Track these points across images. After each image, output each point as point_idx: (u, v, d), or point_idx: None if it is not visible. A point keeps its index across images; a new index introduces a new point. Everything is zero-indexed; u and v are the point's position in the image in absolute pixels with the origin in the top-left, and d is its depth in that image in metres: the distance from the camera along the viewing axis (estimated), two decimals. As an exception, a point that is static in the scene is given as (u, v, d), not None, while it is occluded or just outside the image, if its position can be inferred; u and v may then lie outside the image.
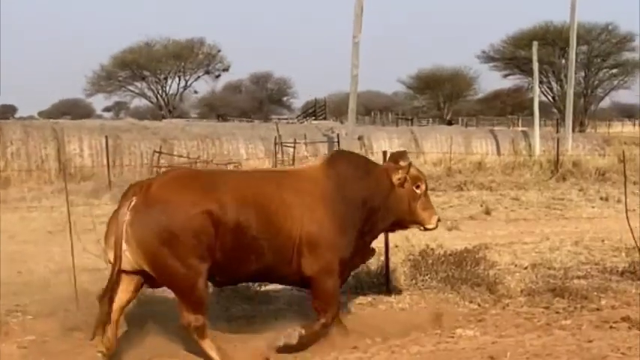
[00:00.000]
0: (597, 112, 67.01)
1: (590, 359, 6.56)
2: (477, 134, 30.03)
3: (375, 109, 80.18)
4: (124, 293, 6.40)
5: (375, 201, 6.98)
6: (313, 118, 56.29)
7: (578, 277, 9.41)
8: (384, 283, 8.72)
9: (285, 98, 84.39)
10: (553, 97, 58.29)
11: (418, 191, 7.16)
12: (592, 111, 58.15)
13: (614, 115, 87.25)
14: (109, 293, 6.28)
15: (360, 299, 8.45)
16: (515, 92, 74.47)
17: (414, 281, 8.76)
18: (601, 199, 17.68)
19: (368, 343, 7.02)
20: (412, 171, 7.15)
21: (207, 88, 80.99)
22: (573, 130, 44.93)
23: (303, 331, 6.65)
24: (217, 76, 72.21)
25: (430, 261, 8.83)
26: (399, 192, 7.09)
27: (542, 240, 12.37)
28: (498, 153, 27.23)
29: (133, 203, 6.25)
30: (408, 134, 29.67)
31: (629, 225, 9.75)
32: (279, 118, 58.54)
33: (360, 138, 29.27)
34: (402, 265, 9.13)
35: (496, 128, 40.07)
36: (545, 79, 58.74)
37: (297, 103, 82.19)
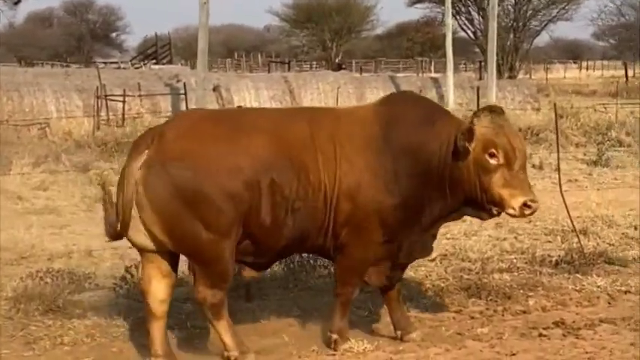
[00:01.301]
0: (532, 52, 68.92)
1: (512, 377, 6.80)
2: (373, 82, 30.20)
3: (240, 50, 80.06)
4: (153, 279, 6.92)
5: (438, 163, 7.00)
6: (154, 61, 55.61)
7: (500, 271, 9.73)
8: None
9: (113, 34, 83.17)
10: (474, 33, 59.47)
11: (492, 161, 6.84)
12: (525, 51, 59.62)
13: (555, 56, 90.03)
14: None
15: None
16: (427, 26, 75.69)
17: (285, 282, 8.96)
18: (533, 166, 18.23)
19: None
20: (484, 132, 6.83)
21: (1, 20, 78.67)
22: (500, 76, 46.31)
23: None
24: (15, 3, 70.16)
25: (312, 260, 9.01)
26: (468, 160, 6.92)
27: (455, 222, 12.63)
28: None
29: (145, 157, 6.63)
30: (281, 83, 29.59)
31: (564, 201, 10.13)
32: (105, 62, 57.60)
33: (215, 89, 29.09)
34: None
35: (400, 74, 40.69)
36: (463, 9, 59.83)
37: (132, 41, 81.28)
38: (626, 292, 9.07)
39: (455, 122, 7.15)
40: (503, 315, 8.39)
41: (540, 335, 7.77)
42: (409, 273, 9.15)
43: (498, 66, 47.14)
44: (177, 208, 6.60)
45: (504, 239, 11.45)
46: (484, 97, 24.84)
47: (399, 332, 7.58)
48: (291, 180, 6.79)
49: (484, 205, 7.00)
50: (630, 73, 62.35)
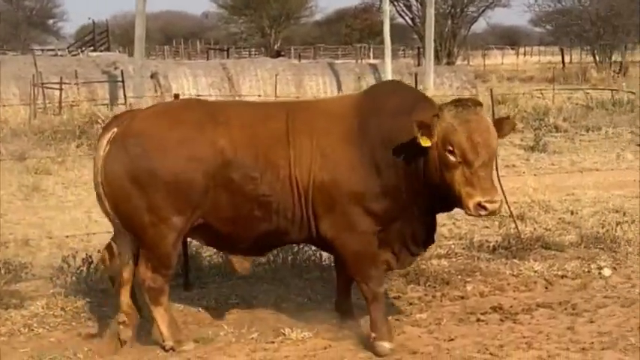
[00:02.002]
0: (470, 38, 69.37)
1: (450, 363, 6.83)
2: (311, 69, 30.15)
3: (179, 37, 79.56)
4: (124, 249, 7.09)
5: (413, 155, 6.78)
6: (91, 48, 55.05)
7: (439, 257, 9.79)
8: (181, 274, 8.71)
9: (50, 21, 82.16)
10: (412, 20, 59.70)
11: (452, 158, 6.55)
12: (463, 37, 59.96)
13: (493, 42, 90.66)
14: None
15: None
16: (365, 13, 75.86)
17: (222, 270, 8.87)
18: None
19: (159, 355, 7.10)
20: (443, 127, 6.56)
21: None
22: (438, 62, 46.57)
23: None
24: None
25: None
26: (431, 154, 6.68)
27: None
28: (340, 93, 27.64)
29: (112, 135, 6.82)
30: (219, 70, 29.44)
31: (501, 186, 10.16)
32: (42, 49, 56.83)
33: (153, 76, 28.89)
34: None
35: (339, 61, 40.68)
36: (402, -5, 59.98)
37: (69, 28, 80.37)
38: (562, 277, 9.16)
39: (425, 114, 6.76)
40: (441, 300, 8.43)
41: (478, 320, 7.83)
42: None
43: (436, 52, 47.46)
44: (126, 185, 6.71)
45: (443, 225, 11.43)
46: (422, 83, 24.93)
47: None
48: (254, 176, 6.76)
49: (456, 203, 6.76)
50: (567, 59, 62.97)
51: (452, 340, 7.34)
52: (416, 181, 6.84)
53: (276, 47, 72.56)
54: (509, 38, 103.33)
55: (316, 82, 28.50)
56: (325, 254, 8.52)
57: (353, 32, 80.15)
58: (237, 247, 7.23)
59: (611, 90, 28.48)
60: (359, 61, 53.49)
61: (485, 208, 6.51)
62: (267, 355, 7.05)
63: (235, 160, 6.75)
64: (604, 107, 25.13)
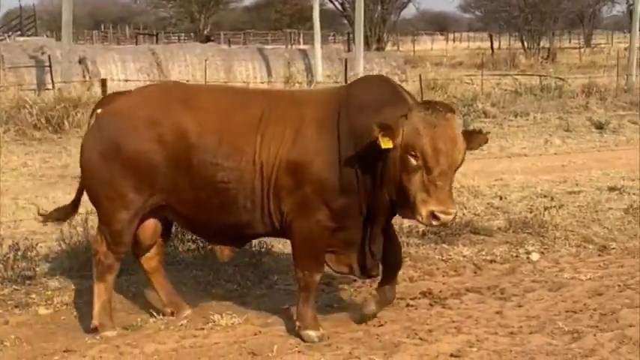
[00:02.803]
0: (400, 24, 69.67)
1: (380, 348, 6.87)
2: (240, 54, 29.97)
3: (107, 22, 78.79)
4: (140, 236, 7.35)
5: (376, 153, 6.58)
6: (18, 33, 54.22)
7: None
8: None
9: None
10: (342, 5, 59.66)
11: (413, 161, 6.39)
12: (393, 23, 60.15)
13: (422, 28, 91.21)
14: None
15: (78, 283, 8.33)
16: (295, -2, 75.73)
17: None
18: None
19: (87, 343, 7.01)
20: (409, 130, 6.39)
21: None
22: (368, 48, 46.70)
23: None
24: None
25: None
26: (392, 156, 6.52)
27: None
28: (270, 79, 27.58)
29: (95, 115, 7.19)
30: (148, 55, 29.12)
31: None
32: (-33, 34, 55.83)
33: (81, 61, 28.50)
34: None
35: (269, 46, 40.54)
36: (331, -20, 59.93)
37: (-5, 12, 79.10)
38: (491, 262, 9.26)
39: (394, 113, 6.56)
40: (371, 286, 8.42)
41: (408, 305, 7.87)
42: (278, 246, 9.19)
43: (366, 38, 47.66)
44: (93, 158, 7.00)
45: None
46: (352, 69, 24.95)
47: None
48: (216, 162, 6.82)
49: (407, 207, 6.54)
50: (496, 45, 63.54)
51: (381, 325, 7.36)
52: (371, 182, 6.75)
53: (205, 32, 72.06)
54: (439, 24, 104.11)
55: (246, 68, 28.36)
56: (255, 240, 8.46)
57: (283, 18, 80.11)
58: (205, 234, 7.49)
59: (540, 76, 28.79)
60: (289, 46, 53.38)
61: (437, 218, 6.33)
62: (197, 341, 7.01)
63: (198, 145, 6.82)
64: (532, 93, 25.37)
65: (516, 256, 9.39)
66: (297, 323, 7.06)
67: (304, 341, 6.96)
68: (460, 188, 12.44)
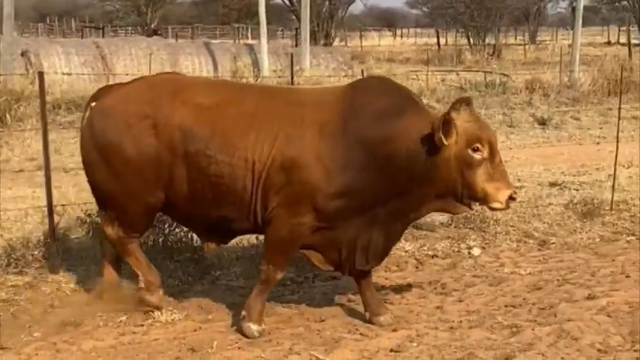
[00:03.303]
0: (348, 19, 69.70)
1: (320, 343, 6.86)
2: (187, 49, 29.75)
3: (53, 15, 77.97)
4: None
5: (405, 159, 6.65)
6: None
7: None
8: (47, 257, 8.53)
9: None
10: (290, 0, 59.57)
11: (477, 156, 6.59)
12: (340, 18, 60.21)
13: (370, 24, 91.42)
14: None
15: (15, 280, 8.23)
16: (243, -8, 75.51)
17: (92, 252, 8.67)
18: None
19: (23, 340, 6.92)
20: (468, 127, 6.57)
21: None
22: (316, 43, 46.69)
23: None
24: None
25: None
26: (445, 154, 6.59)
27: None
28: (216, 74, 27.46)
29: (90, 109, 7.20)
30: (92, 49, 28.82)
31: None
32: None
33: (24, 54, 28.18)
34: (77, 229, 9.05)
35: (216, 41, 40.39)
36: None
37: None
38: (433, 257, 9.31)
39: (426, 115, 6.78)
40: (313, 281, 8.47)
41: (349, 301, 7.85)
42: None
43: (314, 33, 47.71)
44: (94, 156, 7.08)
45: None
46: (298, 64, 24.92)
47: (367, 314, 7.39)
48: (209, 155, 6.80)
49: (464, 201, 6.81)
50: (443, 41, 63.85)
51: (322, 320, 7.36)
52: (398, 186, 6.73)
53: (152, 26, 71.64)
54: (387, 20, 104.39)
55: (192, 62, 28.16)
56: (195, 236, 8.42)
57: (231, 12, 79.79)
58: (197, 227, 7.49)
59: (484, 72, 28.95)
60: (237, 41, 53.23)
61: (513, 198, 6.75)
62: (136, 338, 6.95)
63: (191, 137, 6.83)
64: (477, 89, 25.49)
65: (458, 251, 9.45)
66: (244, 313, 7.01)
67: (244, 334, 6.95)
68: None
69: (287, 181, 6.69)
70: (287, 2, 60.33)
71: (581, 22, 29.32)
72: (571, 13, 28.58)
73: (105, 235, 7.40)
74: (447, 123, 6.46)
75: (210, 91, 7.22)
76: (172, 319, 7.25)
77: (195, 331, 7.10)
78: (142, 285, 7.34)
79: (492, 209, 6.91)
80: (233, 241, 8.84)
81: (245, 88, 8.16)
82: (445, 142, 6.48)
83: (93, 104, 7.17)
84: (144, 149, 6.88)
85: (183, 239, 8.79)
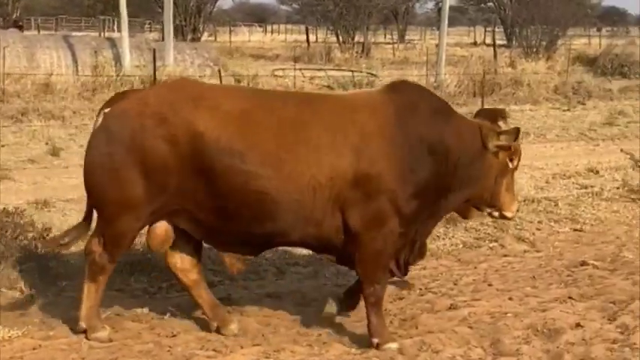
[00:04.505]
0: (217, 14, 69.23)
1: (170, 362, 6.52)
2: (44, 42, 28.77)
3: None
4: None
5: (454, 158, 6.92)
6: None
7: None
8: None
9: None
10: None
11: (511, 166, 7.18)
12: (208, 13, 59.51)
13: (241, 19, 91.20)
14: None
15: None
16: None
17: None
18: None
19: None
20: (507, 136, 7.06)
21: None
22: (184, 38, 46.13)
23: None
24: None
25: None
26: (489, 160, 7.06)
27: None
28: (76, 69, 26.69)
29: (103, 115, 6.79)
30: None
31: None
32: None
33: None
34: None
35: (80, 33, 39.54)
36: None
37: None
38: (294, 265, 9.04)
39: (471, 121, 7.22)
40: (167, 292, 8.14)
41: (203, 313, 7.50)
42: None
43: (181, 27, 47.12)
44: (101, 159, 6.67)
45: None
46: (161, 59, 24.31)
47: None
48: (246, 168, 6.48)
49: (480, 207, 7.32)
50: (314, 38, 63.96)
51: (174, 335, 7.04)
52: (457, 192, 7.06)
53: (14, 17, 69.85)
54: (258, 16, 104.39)
55: (50, 56, 27.21)
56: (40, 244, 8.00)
57: (97, 4, 78.39)
58: (225, 243, 6.97)
59: (352, 71, 28.97)
60: (102, 34, 52.26)
61: (518, 209, 7.58)
62: (-32, 358, 6.50)
63: (219, 147, 6.49)
64: (345, 88, 25.43)
65: (320, 259, 9.16)
66: (376, 340, 6.86)
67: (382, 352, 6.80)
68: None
69: (365, 194, 6.65)
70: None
71: (447, 23, 29.51)
72: (437, 13, 28.69)
73: (86, 250, 6.91)
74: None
75: (238, 96, 7.02)
76: (9, 336, 6.78)
77: (34, 349, 6.65)
78: (81, 325, 6.87)
79: (503, 218, 7.44)
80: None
81: (277, 94, 8.34)
82: (493, 147, 6.99)
83: (106, 110, 6.80)
84: (157, 154, 6.53)
85: (27, 247, 8.30)
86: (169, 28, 26.21)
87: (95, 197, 6.84)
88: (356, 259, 6.88)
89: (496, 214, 7.33)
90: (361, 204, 6.66)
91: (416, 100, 7.02)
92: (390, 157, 6.70)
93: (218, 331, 7.09)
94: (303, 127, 6.66)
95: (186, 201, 6.62)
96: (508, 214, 7.31)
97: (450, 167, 6.91)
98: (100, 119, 6.78)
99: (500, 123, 7.16)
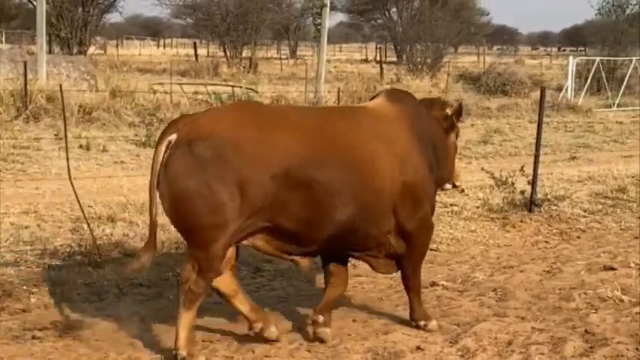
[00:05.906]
0: (110, 27, 68.32)
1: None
2: None
3: None
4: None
5: (438, 147, 7.79)
6: None
7: (5, 265, 9.07)
8: None
9: None
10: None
11: (456, 142, 8.26)
12: (95, 26, 58.57)
13: (135, 32, 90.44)
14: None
15: None
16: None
17: None
18: (81, 147, 17.59)
19: None
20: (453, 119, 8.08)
21: None
22: (69, 51, 45.35)
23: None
24: None
25: None
26: (449, 141, 8.03)
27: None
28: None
29: (173, 140, 6.57)
30: None
31: (73, 187, 9.63)
32: None
33: None
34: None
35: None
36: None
37: None
38: (139, 286, 8.78)
39: (432, 113, 7.97)
40: (1, 314, 7.76)
41: (34, 337, 7.27)
42: None
43: (67, 40, 46.37)
44: (191, 186, 6.52)
45: (26, 227, 10.74)
46: (32, 72, 23.57)
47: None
48: (324, 182, 6.78)
49: (442, 185, 8.15)
50: (205, 52, 63.63)
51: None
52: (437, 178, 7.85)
53: None
54: (152, 29, 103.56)
55: None
56: None
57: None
58: (301, 248, 7.10)
59: (232, 86, 28.74)
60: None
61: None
62: None
63: (307, 162, 6.73)
64: (223, 103, 25.11)
65: (166, 280, 8.93)
66: (423, 322, 7.74)
67: (432, 331, 7.67)
68: (126, 204, 11.88)
69: (412, 199, 7.31)
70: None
71: (326, 39, 29.41)
72: (316, 31, 28.59)
73: (182, 279, 6.78)
74: (461, 109, 8.13)
75: (302, 114, 7.30)
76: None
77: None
78: (181, 354, 6.77)
79: (455, 187, 8.43)
80: None
81: (321, 109, 9.33)
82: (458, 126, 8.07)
83: (175, 135, 6.60)
84: (252, 174, 6.56)
85: None
86: (42, 42, 25.52)
87: (190, 224, 6.69)
88: (406, 256, 7.53)
89: (449, 186, 8.27)
90: (411, 211, 7.32)
91: (416, 106, 7.80)
92: (423, 163, 7.42)
93: (263, 330, 7.26)
94: (358, 137, 7.08)
95: (276, 215, 6.73)
96: (459, 184, 8.37)
97: (437, 157, 7.73)
98: (182, 146, 6.58)
99: (448, 110, 8.05)
